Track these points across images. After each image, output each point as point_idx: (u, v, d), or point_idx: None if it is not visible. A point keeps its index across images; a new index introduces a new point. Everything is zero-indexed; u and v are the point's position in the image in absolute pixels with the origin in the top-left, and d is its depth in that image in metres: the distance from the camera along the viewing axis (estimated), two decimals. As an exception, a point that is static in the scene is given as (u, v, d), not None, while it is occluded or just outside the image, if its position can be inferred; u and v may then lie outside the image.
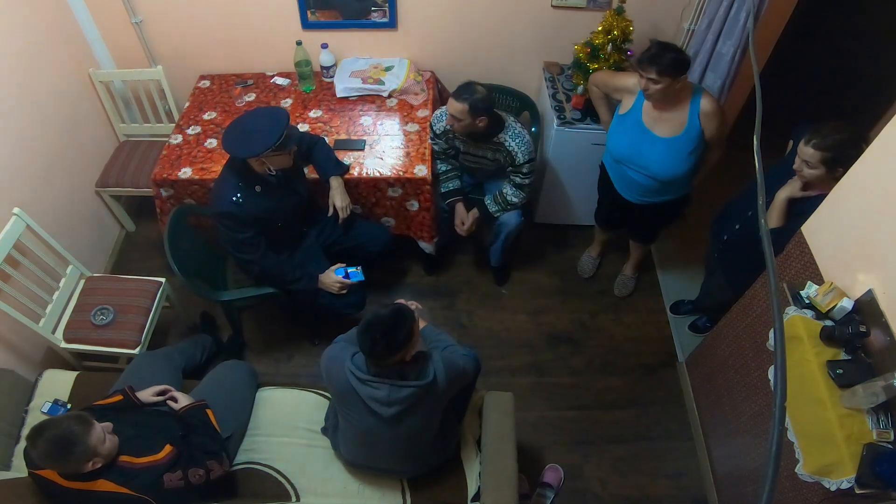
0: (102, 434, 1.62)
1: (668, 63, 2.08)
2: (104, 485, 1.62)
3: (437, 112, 2.61)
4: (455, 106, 2.33)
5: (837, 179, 1.84)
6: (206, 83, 3.11)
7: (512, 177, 2.62)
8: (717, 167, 2.50)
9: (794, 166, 1.97)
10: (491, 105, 2.39)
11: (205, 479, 1.74)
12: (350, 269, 2.43)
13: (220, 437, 1.90)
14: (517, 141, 2.49)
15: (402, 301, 1.79)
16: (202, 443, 1.82)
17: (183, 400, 1.96)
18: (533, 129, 2.99)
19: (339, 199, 2.46)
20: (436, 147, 2.69)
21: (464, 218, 2.75)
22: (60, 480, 1.62)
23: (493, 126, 2.47)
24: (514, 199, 2.66)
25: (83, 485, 1.61)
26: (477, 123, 2.38)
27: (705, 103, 2.23)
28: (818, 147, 1.86)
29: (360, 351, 1.69)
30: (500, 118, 2.50)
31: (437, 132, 2.61)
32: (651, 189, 2.44)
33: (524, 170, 2.56)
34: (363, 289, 2.52)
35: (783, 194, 2.03)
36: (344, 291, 2.44)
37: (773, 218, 2.06)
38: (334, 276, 2.41)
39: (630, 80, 2.37)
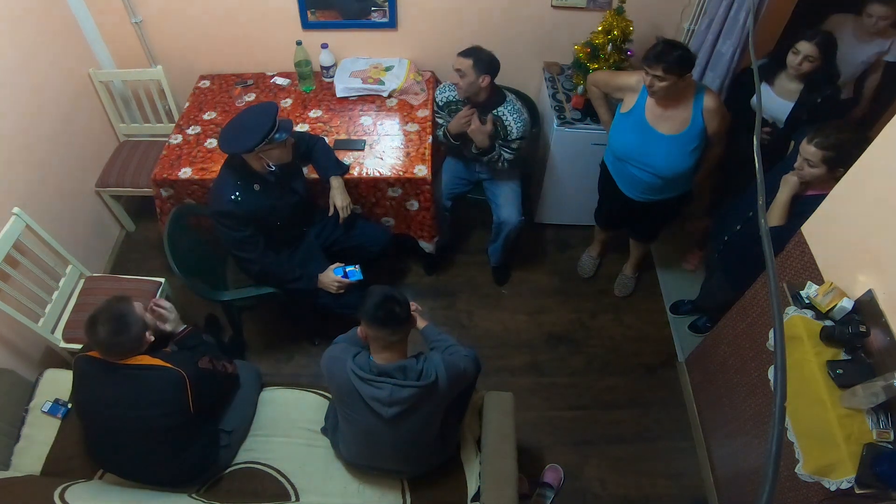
0: (141, 306, 1.85)
1: (674, 61, 2.09)
2: (144, 359, 1.79)
3: (442, 84, 2.68)
4: (461, 61, 2.41)
5: (838, 179, 1.85)
6: (206, 83, 3.11)
7: (502, 150, 2.66)
8: (716, 164, 2.51)
9: (796, 164, 1.97)
10: (495, 66, 2.45)
11: (223, 371, 2.01)
12: (349, 269, 2.43)
13: (222, 353, 2.11)
14: (514, 116, 2.55)
15: None
16: (211, 349, 2.06)
17: (172, 319, 2.01)
18: (534, 129, 2.99)
19: (339, 198, 2.46)
20: (439, 121, 2.73)
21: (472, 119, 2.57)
22: (105, 356, 1.77)
23: (494, 95, 2.53)
24: (509, 156, 2.66)
25: (125, 360, 1.77)
26: (480, 82, 2.43)
27: (708, 100, 2.24)
28: (820, 146, 1.87)
29: (371, 342, 1.72)
30: (502, 92, 2.56)
31: (440, 104, 2.68)
32: (654, 186, 2.44)
33: (514, 146, 2.61)
34: (363, 288, 2.52)
35: (786, 192, 2.03)
36: (342, 291, 2.44)
37: (775, 216, 2.06)
38: (333, 276, 2.41)
39: (632, 79, 2.37)
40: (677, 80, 2.14)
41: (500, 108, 2.54)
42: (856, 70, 2.79)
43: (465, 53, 2.42)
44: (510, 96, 2.59)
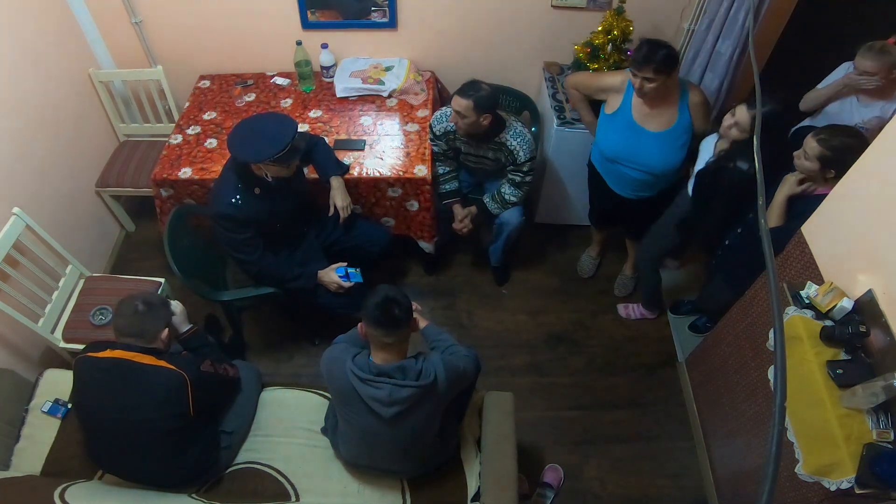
0: (182, 312, 2.00)
1: (661, 61, 2.10)
2: (147, 358, 1.79)
3: (437, 113, 2.61)
4: (460, 102, 2.34)
5: (827, 180, 1.86)
6: (206, 83, 3.11)
7: (511, 175, 2.62)
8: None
9: (795, 152, 1.99)
10: (496, 103, 2.40)
11: (224, 375, 2.01)
12: (350, 270, 2.43)
13: (224, 355, 2.13)
14: (519, 140, 2.50)
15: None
16: (214, 352, 2.07)
17: (178, 313, 2.03)
18: (533, 129, 2.99)
19: (339, 198, 2.46)
20: (436, 148, 2.68)
21: (461, 217, 2.76)
22: (106, 353, 1.79)
23: (495, 126, 2.47)
24: (513, 199, 2.67)
25: (127, 354, 1.78)
26: (481, 121, 2.38)
27: (694, 95, 2.26)
28: (821, 143, 1.89)
29: (370, 341, 1.72)
30: (501, 118, 2.51)
31: (438, 133, 2.61)
32: (646, 183, 2.45)
33: (524, 168, 2.56)
34: (362, 289, 2.52)
35: (783, 192, 2.03)
36: (341, 291, 2.43)
37: (773, 217, 2.06)
38: (334, 275, 2.41)
39: (615, 79, 2.37)
40: (667, 79, 2.14)
41: (501, 135, 2.51)
42: None
43: (463, 94, 2.33)
44: (510, 119, 2.53)
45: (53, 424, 2.13)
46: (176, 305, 2.03)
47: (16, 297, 2.28)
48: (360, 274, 2.44)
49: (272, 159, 2.08)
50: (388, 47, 3.11)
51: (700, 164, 2.30)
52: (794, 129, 2.73)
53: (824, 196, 1.80)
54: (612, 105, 2.39)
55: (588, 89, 2.52)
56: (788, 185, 2.02)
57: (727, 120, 2.13)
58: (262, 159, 2.08)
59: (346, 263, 2.45)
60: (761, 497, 0.67)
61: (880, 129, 2.26)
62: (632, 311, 3.04)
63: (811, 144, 1.91)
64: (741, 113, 2.07)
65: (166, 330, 1.88)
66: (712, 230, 2.34)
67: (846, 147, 1.82)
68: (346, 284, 2.41)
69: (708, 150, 2.31)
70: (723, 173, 2.15)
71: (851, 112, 2.40)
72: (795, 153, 1.98)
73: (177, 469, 1.88)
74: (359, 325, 1.79)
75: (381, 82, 3.00)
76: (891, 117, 2.22)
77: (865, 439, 1.49)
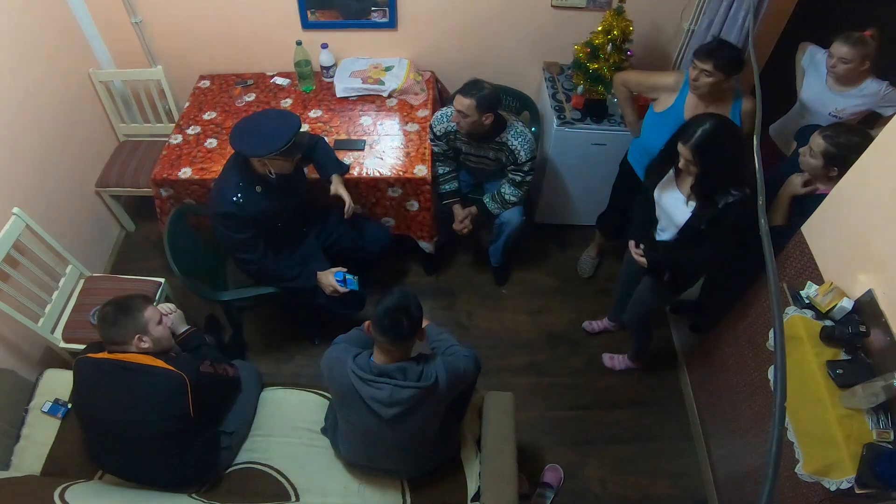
0: (157, 317, 1.88)
1: (725, 59, 2.08)
2: (146, 359, 1.80)
3: (438, 114, 2.61)
4: (463, 101, 2.34)
5: (831, 178, 1.85)
6: (206, 83, 3.11)
7: (512, 175, 2.62)
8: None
9: (801, 149, 1.98)
10: (498, 102, 2.39)
11: (224, 375, 2.02)
12: (349, 277, 2.42)
13: (224, 355, 2.14)
14: (520, 139, 2.50)
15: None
16: (213, 352, 2.09)
17: (174, 318, 2.06)
18: (533, 129, 2.98)
19: (345, 193, 2.43)
20: (436, 149, 2.68)
21: (461, 218, 2.76)
22: (104, 354, 1.81)
23: (496, 125, 2.47)
24: (513, 198, 2.66)
25: (124, 356, 1.80)
26: (483, 121, 2.38)
27: (747, 103, 2.24)
28: (827, 139, 1.89)
29: (374, 340, 1.71)
30: (503, 118, 2.51)
31: (438, 134, 2.61)
32: None
33: (525, 168, 2.56)
34: (363, 289, 2.52)
35: (787, 192, 2.03)
36: (335, 295, 2.43)
37: (777, 216, 2.06)
38: (332, 278, 2.40)
39: (669, 78, 2.35)
40: (725, 79, 2.13)
41: (503, 135, 2.51)
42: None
43: (466, 92, 2.33)
44: (511, 119, 2.53)
45: (53, 424, 2.13)
46: (172, 309, 2.03)
47: (16, 297, 2.28)
48: (357, 282, 2.43)
49: (278, 152, 2.09)
50: (388, 47, 3.11)
51: (682, 217, 2.01)
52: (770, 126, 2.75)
53: (824, 196, 1.80)
54: (662, 104, 2.37)
55: (639, 87, 2.49)
56: (793, 185, 2.03)
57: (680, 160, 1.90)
58: (268, 153, 2.09)
59: (346, 269, 2.44)
60: (761, 497, 0.67)
61: (854, 117, 2.33)
62: (617, 362, 2.89)
63: (817, 141, 1.91)
64: (681, 148, 1.87)
65: (139, 336, 1.81)
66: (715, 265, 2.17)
67: (851, 145, 1.82)
68: (342, 290, 2.40)
69: (672, 205, 2.05)
70: (724, 213, 1.90)
71: (825, 102, 2.42)
72: (801, 150, 1.98)
73: (177, 469, 1.88)
74: (366, 322, 1.78)
75: (381, 82, 3.00)
76: (864, 105, 2.31)
77: (865, 439, 1.49)
